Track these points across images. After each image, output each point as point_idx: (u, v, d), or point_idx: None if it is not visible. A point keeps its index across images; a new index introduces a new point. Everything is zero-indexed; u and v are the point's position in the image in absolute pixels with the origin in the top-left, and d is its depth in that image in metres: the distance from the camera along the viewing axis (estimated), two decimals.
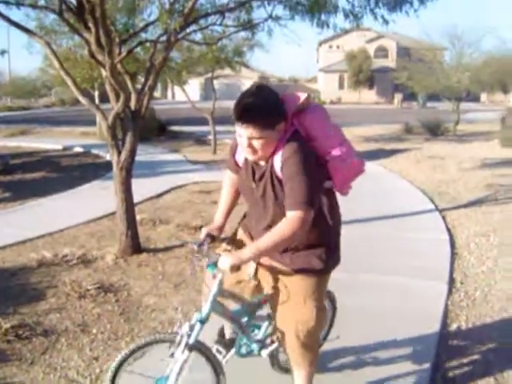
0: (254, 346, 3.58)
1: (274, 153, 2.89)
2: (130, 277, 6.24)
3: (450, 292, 5.81)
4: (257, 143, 2.83)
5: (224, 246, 3.50)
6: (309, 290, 3.17)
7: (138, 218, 7.61)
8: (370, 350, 4.36)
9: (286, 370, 3.83)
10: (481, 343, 4.70)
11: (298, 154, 2.80)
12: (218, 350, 3.42)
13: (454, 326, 5.03)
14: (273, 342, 3.63)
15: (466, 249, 7.35)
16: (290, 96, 2.97)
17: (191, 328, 2.97)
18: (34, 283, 6.03)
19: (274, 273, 3.23)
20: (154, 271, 6.34)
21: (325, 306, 3.43)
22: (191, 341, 2.95)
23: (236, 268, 2.80)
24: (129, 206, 6.95)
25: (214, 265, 2.92)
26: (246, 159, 3.12)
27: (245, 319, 3.46)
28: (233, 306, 3.45)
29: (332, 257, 3.19)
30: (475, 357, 4.48)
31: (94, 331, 4.87)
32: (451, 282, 6.12)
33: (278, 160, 2.86)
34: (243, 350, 3.57)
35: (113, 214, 7.91)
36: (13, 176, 13.41)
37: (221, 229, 3.54)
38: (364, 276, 5.98)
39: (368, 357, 4.28)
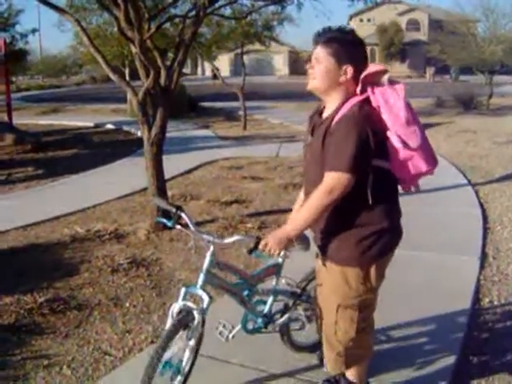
0: (260, 321, 3.56)
1: (337, 111, 2.81)
2: (161, 251, 6.31)
3: (482, 267, 5.76)
4: (318, 69, 2.84)
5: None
6: (334, 283, 3.00)
7: (169, 193, 7.67)
8: (401, 326, 4.34)
9: (298, 347, 3.85)
10: None
11: (354, 118, 2.72)
12: (223, 325, 3.42)
13: (486, 301, 4.99)
14: (282, 315, 3.63)
15: (499, 223, 7.26)
16: (372, 65, 2.87)
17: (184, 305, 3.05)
18: (68, 258, 6.13)
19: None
20: (186, 246, 6.39)
21: (362, 307, 3.03)
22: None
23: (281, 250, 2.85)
24: (160, 181, 6.99)
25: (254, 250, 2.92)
26: (310, 118, 3.10)
27: (245, 293, 3.43)
28: (232, 279, 3.47)
29: (371, 246, 2.88)
30: (506, 331, 4.45)
31: (127, 305, 4.94)
32: (483, 256, 6.06)
33: (337, 118, 2.78)
34: (249, 326, 3.57)
35: (144, 189, 7.98)
36: (45, 153, 13.59)
37: None
38: (396, 251, 5.91)
39: (399, 332, 4.27)
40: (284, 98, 29.19)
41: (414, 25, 64.96)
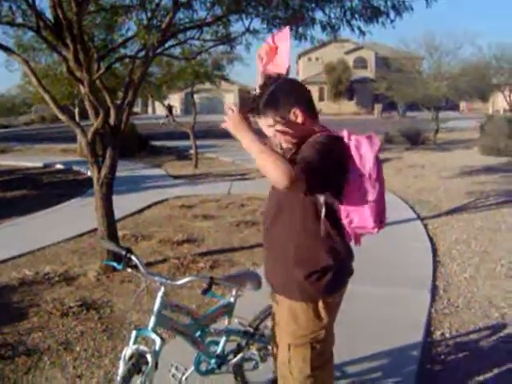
0: (213, 362, 3.52)
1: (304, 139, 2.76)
2: (112, 293, 6.20)
3: (433, 300, 5.84)
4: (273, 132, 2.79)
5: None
6: (284, 320, 2.97)
7: (119, 233, 7.58)
8: (356, 361, 4.36)
9: None
10: (464, 350, 4.72)
11: (323, 137, 2.71)
12: (176, 368, 3.39)
13: (437, 334, 5.05)
14: (236, 355, 3.59)
15: (449, 256, 7.40)
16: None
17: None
18: (16, 302, 5.96)
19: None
20: (137, 287, 6.30)
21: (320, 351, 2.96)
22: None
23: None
24: (110, 221, 6.92)
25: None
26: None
27: (198, 334, 3.39)
28: (184, 319, 3.43)
29: (317, 281, 2.84)
30: (458, 363, 4.50)
31: (78, 349, 4.82)
32: (434, 289, 6.15)
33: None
34: (202, 367, 3.53)
35: (95, 230, 7.86)
36: None
37: None
38: (349, 286, 5.92)
39: (355, 367, 4.27)
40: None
41: (361, 63, 66.53)
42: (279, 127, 2.75)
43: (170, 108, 28.17)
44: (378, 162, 2.77)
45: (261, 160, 2.48)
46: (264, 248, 3.09)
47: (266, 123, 2.80)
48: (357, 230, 2.88)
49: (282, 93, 2.79)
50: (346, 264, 3.01)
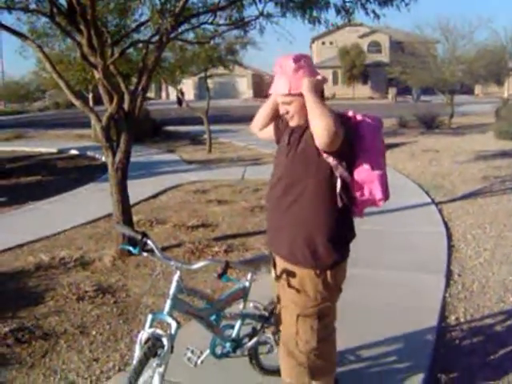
0: (229, 346, 3.56)
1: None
2: (128, 277, 6.24)
3: (447, 284, 5.83)
4: (290, 109, 2.99)
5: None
6: (292, 292, 3.08)
7: (134, 218, 7.61)
8: (369, 345, 4.36)
9: (267, 370, 3.83)
10: (479, 335, 4.72)
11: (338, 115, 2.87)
12: (192, 351, 3.41)
13: (452, 319, 5.04)
14: (251, 339, 3.63)
15: (463, 241, 7.36)
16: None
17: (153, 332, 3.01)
18: (32, 287, 6.02)
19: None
20: (152, 271, 6.34)
21: (323, 317, 3.11)
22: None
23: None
24: (125, 207, 6.95)
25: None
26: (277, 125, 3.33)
27: (213, 318, 3.42)
28: (200, 304, 3.45)
29: (333, 248, 3.01)
30: (473, 348, 4.49)
31: (94, 333, 4.87)
32: (449, 274, 6.13)
33: None
34: (217, 351, 3.56)
35: (110, 215, 7.91)
36: (8, 180, 13.39)
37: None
38: (361, 271, 5.91)
39: (368, 351, 4.28)
40: (248, 121, 28.94)
41: (376, 47, 66.05)
42: (296, 106, 2.97)
43: (181, 93, 28.14)
44: (381, 139, 3.09)
45: (321, 109, 2.75)
46: (271, 218, 3.20)
47: (283, 99, 3.00)
48: (365, 203, 3.08)
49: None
50: (352, 234, 3.19)
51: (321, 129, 2.71)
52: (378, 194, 2.97)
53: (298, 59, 2.94)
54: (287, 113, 3.02)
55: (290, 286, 3.06)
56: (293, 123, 3.05)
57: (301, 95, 2.90)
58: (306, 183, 2.97)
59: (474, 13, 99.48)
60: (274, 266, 3.22)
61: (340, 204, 2.95)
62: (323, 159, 2.90)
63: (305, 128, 2.95)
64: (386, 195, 3.03)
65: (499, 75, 30.78)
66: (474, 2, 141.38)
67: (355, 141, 2.95)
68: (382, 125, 3.16)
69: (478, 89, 57.66)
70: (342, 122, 2.81)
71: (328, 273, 3.02)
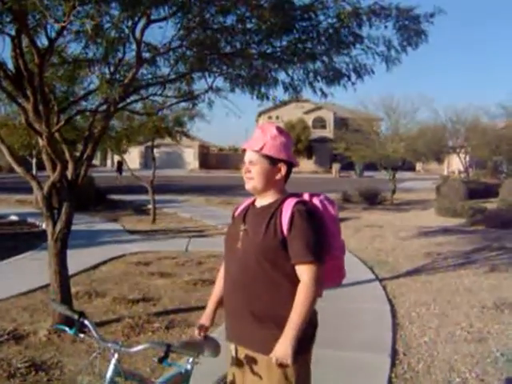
0: None
1: (278, 206, 2.97)
2: (63, 354, 5.94)
3: (393, 364, 5.75)
4: (253, 169, 2.98)
5: None
6: (273, 379, 2.90)
7: (73, 290, 7.34)
8: None
9: None
10: None
11: (307, 213, 2.91)
12: None
13: None
14: None
15: (408, 319, 7.34)
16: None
17: None
18: None
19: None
20: (90, 347, 6.05)
21: None
22: None
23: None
24: (63, 278, 6.69)
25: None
26: (236, 209, 3.27)
27: None
28: None
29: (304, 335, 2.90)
30: None
31: None
32: (394, 354, 6.06)
33: (285, 214, 2.91)
34: None
35: (47, 285, 7.60)
36: None
37: (211, 319, 3.36)
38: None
39: None
40: (194, 192, 29.28)
41: (320, 122, 67.84)
42: (259, 169, 2.98)
43: (119, 164, 27.92)
44: (338, 220, 3.15)
45: (313, 304, 2.88)
46: (230, 307, 3.10)
47: (246, 157, 3.03)
48: (326, 284, 3.05)
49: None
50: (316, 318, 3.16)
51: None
52: (341, 273, 3.18)
53: (281, 131, 3.02)
54: (249, 171, 3.00)
55: (258, 374, 2.91)
56: (248, 186, 3.03)
57: (268, 159, 2.94)
58: (267, 273, 2.95)
59: (419, 91, 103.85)
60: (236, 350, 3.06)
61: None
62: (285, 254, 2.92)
63: (272, 213, 2.97)
64: (344, 275, 3.20)
65: (439, 153, 31.88)
66: (418, 82, 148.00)
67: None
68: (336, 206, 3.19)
69: (419, 165, 59.51)
70: (316, 217, 2.93)
71: (299, 361, 2.90)
